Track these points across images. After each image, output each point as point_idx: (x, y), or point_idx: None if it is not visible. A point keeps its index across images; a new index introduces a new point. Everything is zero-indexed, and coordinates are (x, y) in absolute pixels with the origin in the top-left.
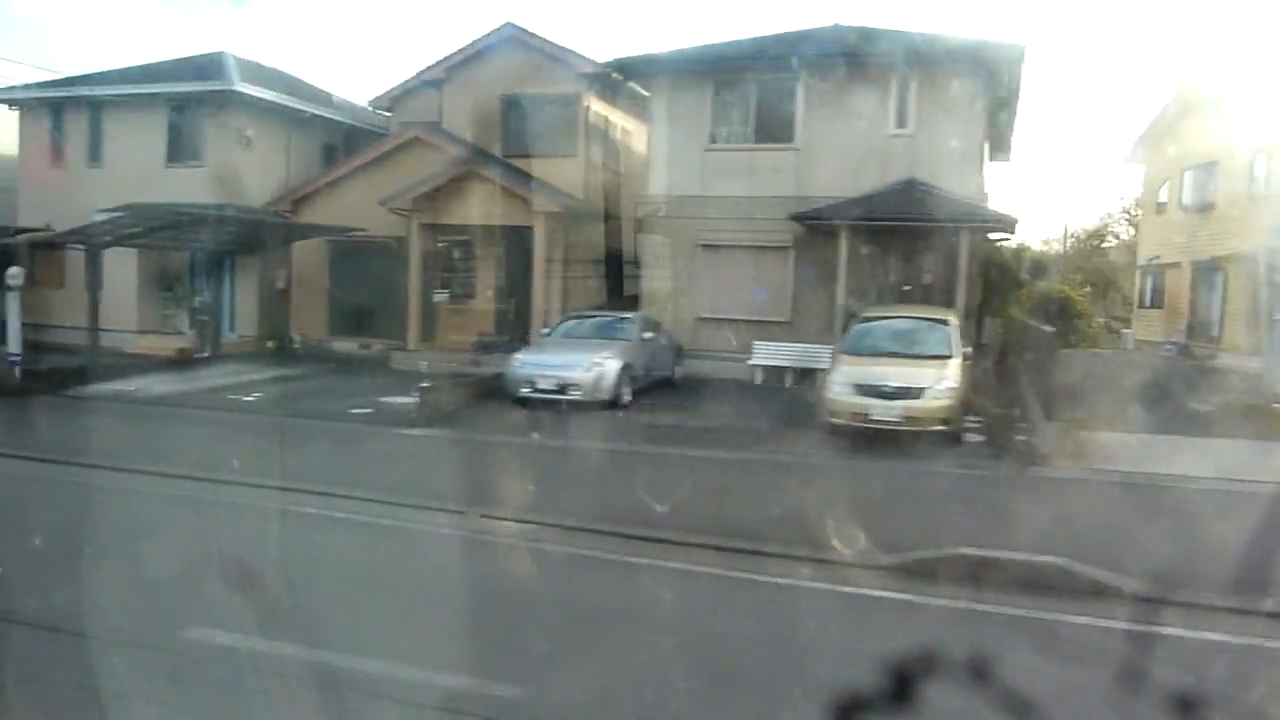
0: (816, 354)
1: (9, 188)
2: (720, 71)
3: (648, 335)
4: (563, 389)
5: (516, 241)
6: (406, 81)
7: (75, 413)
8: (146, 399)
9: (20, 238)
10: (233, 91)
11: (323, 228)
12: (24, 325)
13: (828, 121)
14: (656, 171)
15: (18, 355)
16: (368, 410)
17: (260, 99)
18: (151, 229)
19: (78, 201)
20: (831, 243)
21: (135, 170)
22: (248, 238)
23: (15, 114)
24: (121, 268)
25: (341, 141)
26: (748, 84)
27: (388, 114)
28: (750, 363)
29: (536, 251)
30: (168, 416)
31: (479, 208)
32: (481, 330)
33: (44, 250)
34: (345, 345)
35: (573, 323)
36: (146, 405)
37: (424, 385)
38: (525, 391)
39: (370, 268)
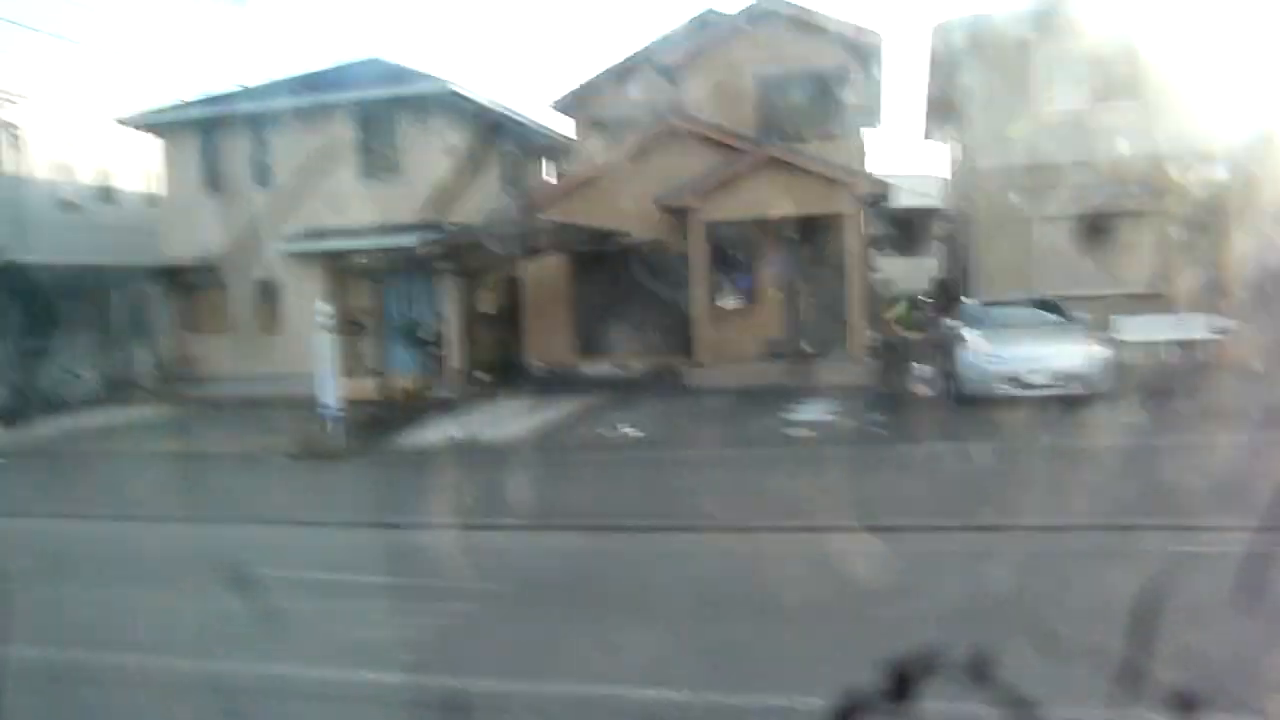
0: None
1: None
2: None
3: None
4: (1055, 383)
5: (811, 234)
6: (594, 80)
7: (456, 468)
8: (502, 446)
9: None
10: (447, 95)
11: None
12: (188, 379)
13: None
14: (977, 144)
15: (335, 408)
16: (804, 431)
17: (472, 103)
18: (455, 250)
19: (238, 231)
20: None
21: (317, 190)
22: (478, 256)
23: (156, 139)
24: (304, 304)
25: (536, 149)
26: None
27: (567, 116)
28: (1120, 337)
29: (850, 242)
30: (581, 463)
31: (776, 198)
32: (768, 337)
33: (201, 291)
34: (596, 367)
35: (987, 310)
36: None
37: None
38: (1004, 389)
39: (621, 277)
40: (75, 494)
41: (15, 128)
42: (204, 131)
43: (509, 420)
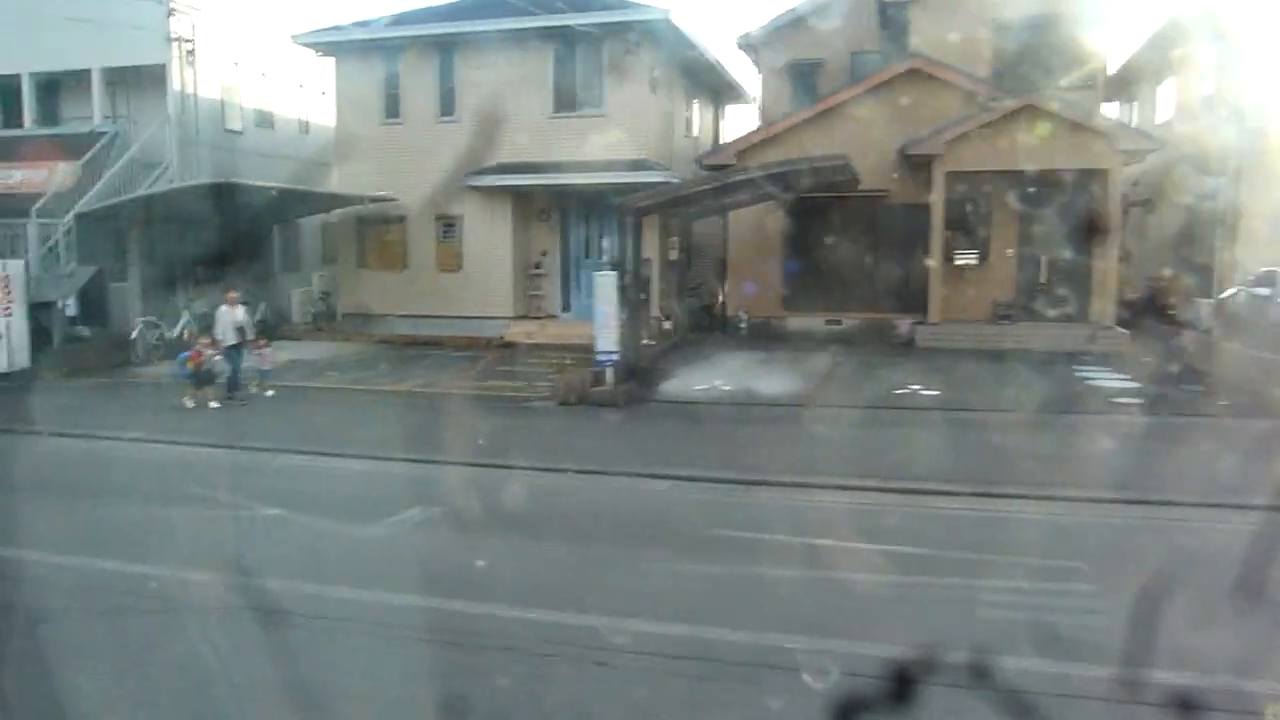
0: None
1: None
2: None
3: None
4: None
5: (1058, 189)
6: (784, 15)
7: (753, 423)
8: (785, 400)
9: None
10: (663, 25)
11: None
12: (357, 316)
13: None
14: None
15: (612, 355)
16: (1126, 398)
17: (684, 38)
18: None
19: (421, 164)
20: None
21: (502, 122)
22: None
23: (329, 59)
24: (487, 242)
25: (727, 91)
26: None
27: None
28: None
29: (1108, 200)
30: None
31: (1031, 149)
32: (996, 297)
33: (374, 225)
34: (805, 321)
35: None
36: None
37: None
38: None
39: (836, 230)
40: (382, 434)
41: (190, 41)
42: (386, 55)
43: (761, 372)
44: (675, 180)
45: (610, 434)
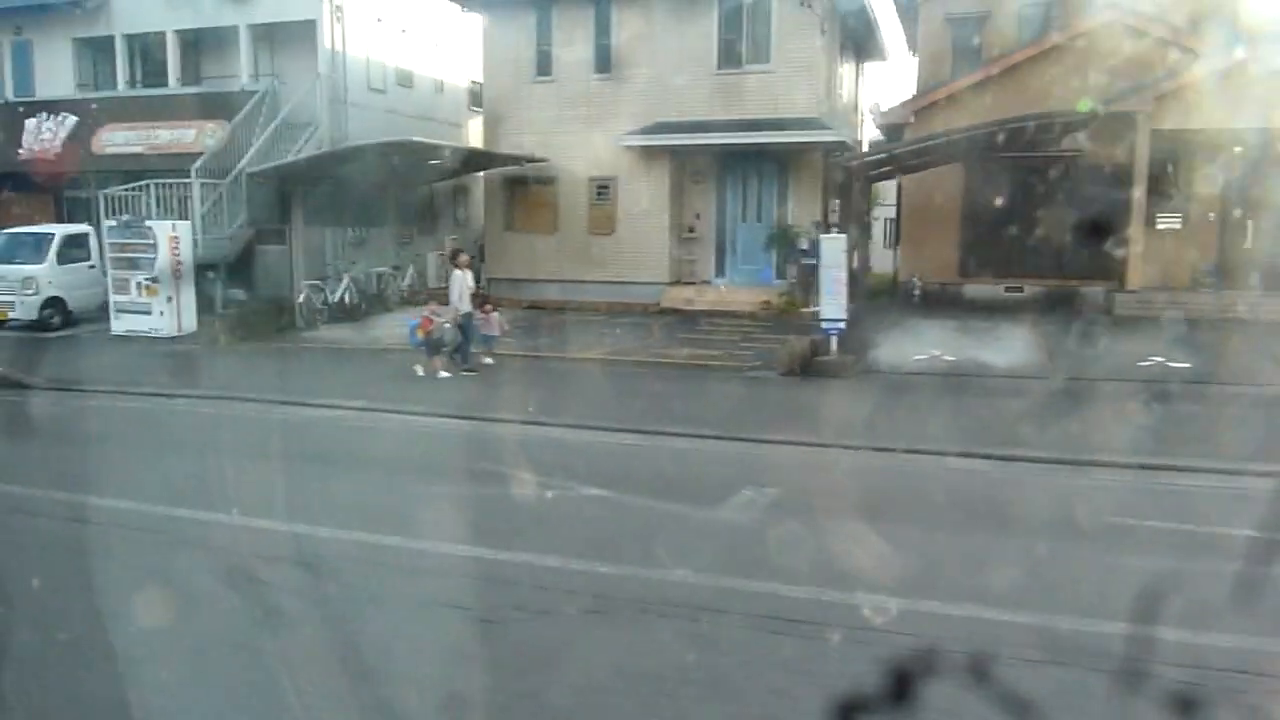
0: None
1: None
2: None
3: None
4: None
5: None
6: None
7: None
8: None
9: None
10: None
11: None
12: (504, 280)
13: None
14: None
15: (839, 323)
16: None
17: None
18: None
19: (574, 123)
20: None
21: (661, 79)
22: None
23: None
24: (642, 204)
25: (866, 45)
26: None
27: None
28: None
29: None
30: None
31: (1244, 106)
32: (1197, 263)
33: (524, 187)
34: (982, 288)
35: None
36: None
37: None
38: None
39: (1016, 192)
40: (635, 406)
41: None
42: (538, 9)
43: (971, 341)
44: (843, 139)
45: (874, 407)
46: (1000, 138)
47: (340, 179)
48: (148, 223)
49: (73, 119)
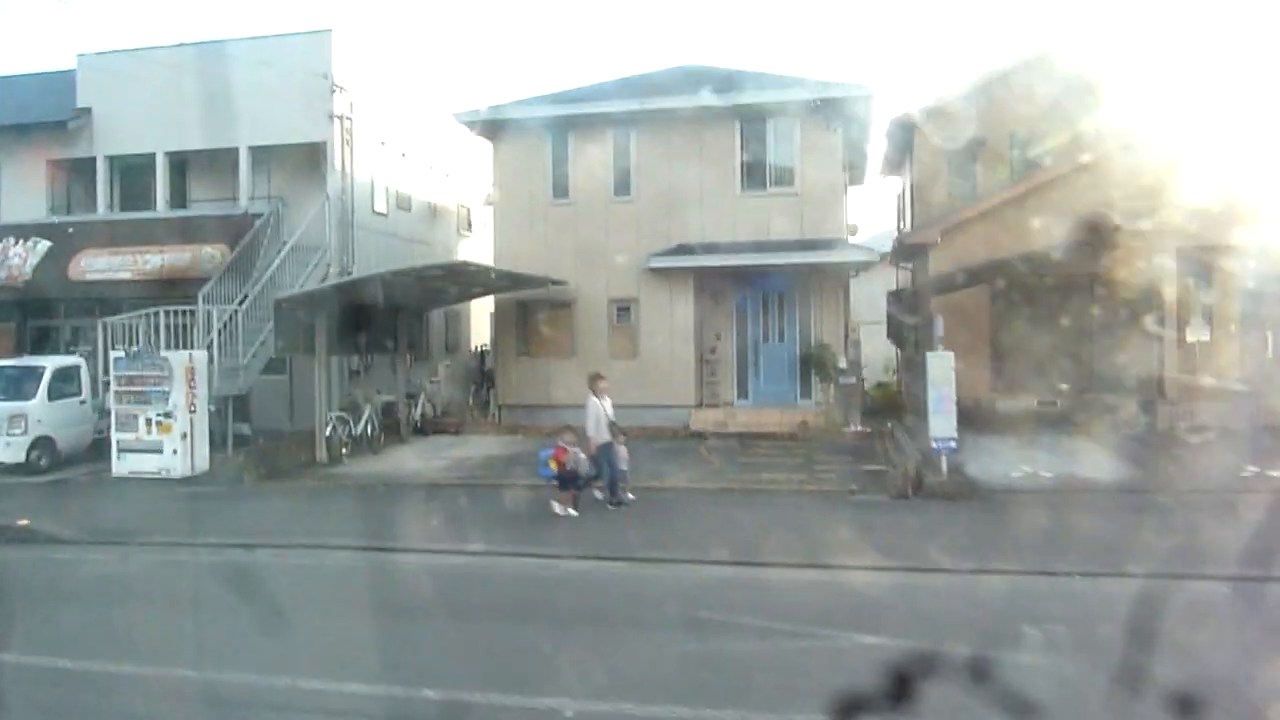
0: None
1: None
2: None
3: None
4: None
5: None
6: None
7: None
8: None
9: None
10: (861, 100)
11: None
12: (519, 407)
13: None
14: None
15: (950, 440)
16: None
17: (868, 110)
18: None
19: (592, 245)
20: None
21: (682, 201)
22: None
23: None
24: (665, 326)
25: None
26: None
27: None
28: None
29: None
30: None
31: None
32: (1221, 372)
33: (539, 310)
34: (1015, 403)
35: None
36: None
37: None
38: None
39: (1044, 308)
40: (797, 539)
41: (349, 120)
42: (554, 133)
43: (1049, 456)
44: (873, 258)
45: (1032, 529)
46: (1060, 255)
47: (359, 304)
48: (163, 353)
49: (45, 244)
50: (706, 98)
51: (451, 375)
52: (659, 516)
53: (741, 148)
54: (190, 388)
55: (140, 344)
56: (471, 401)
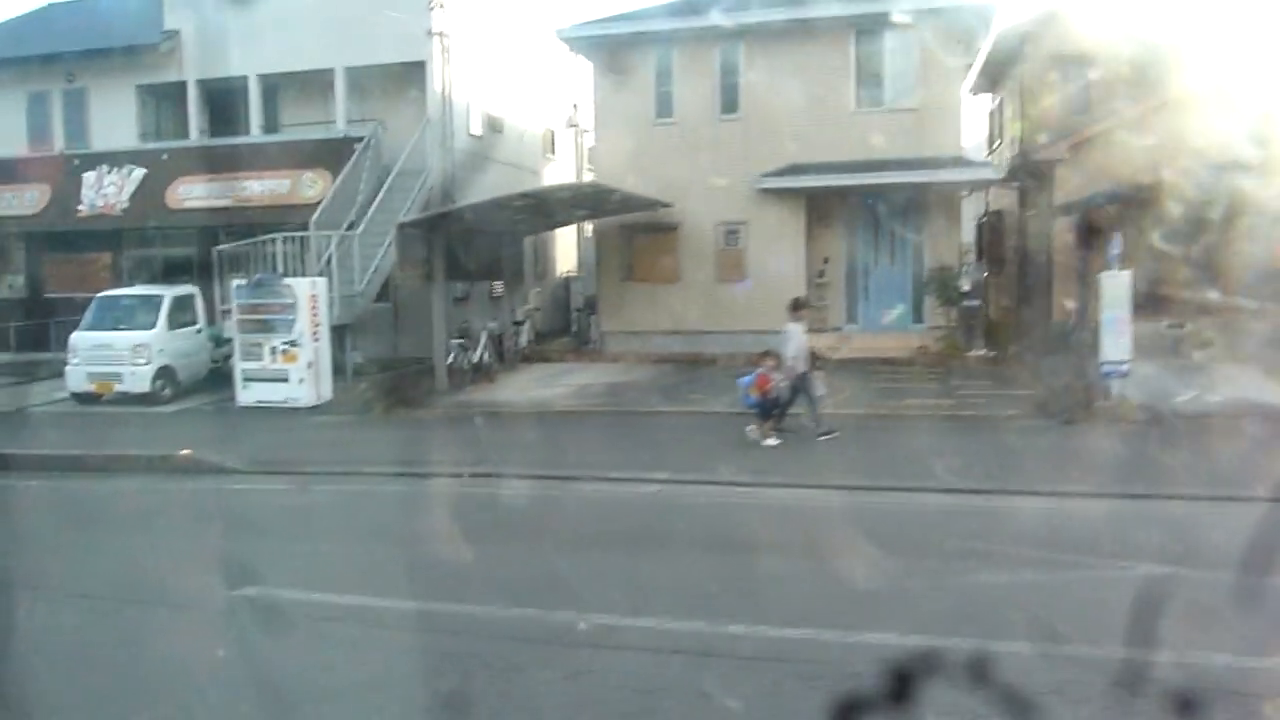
0: None
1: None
2: None
3: None
4: None
5: None
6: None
7: None
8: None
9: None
10: (988, 8)
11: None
12: (621, 334)
13: None
14: None
15: (1122, 364)
16: None
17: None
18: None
19: (698, 166)
20: None
21: (793, 119)
22: None
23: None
24: (775, 249)
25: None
26: None
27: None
28: None
29: None
30: None
31: None
32: None
33: (643, 234)
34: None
35: None
36: None
37: None
38: None
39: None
40: (994, 465)
41: (445, 36)
42: (658, 49)
43: (1202, 379)
44: (997, 176)
45: (1237, 456)
46: None
47: (467, 230)
48: (286, 280)
49: (140, 171)
50: (821, 7)
51: (541, 302)
52: (845, 445)
53: (856, 61)
54: (314, 316)
55: (262, 271)
56: (574, 328)
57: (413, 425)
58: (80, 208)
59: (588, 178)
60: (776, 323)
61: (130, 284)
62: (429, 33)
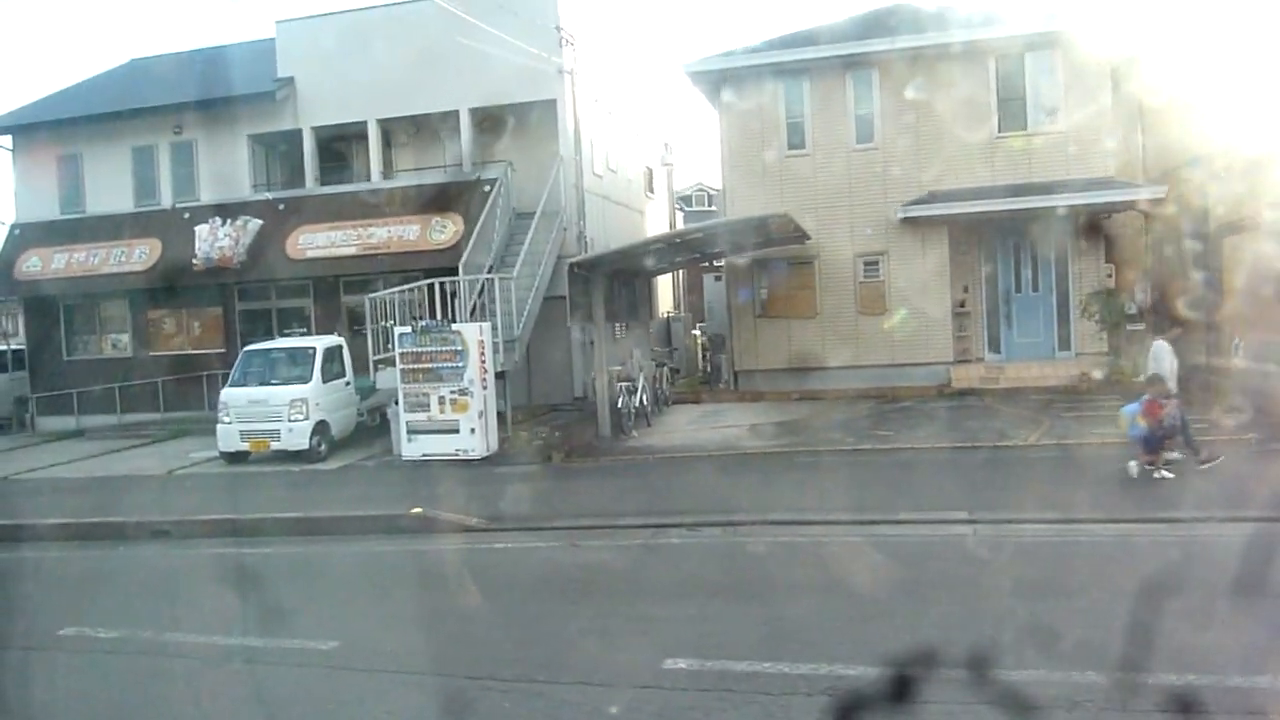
0: None
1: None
2: None
3: None
4: None
5: None
6: None
7: None
8: None
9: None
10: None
11: None
12: (756, 372)
13: None
14: None
15: None
16: None
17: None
18: None
19: (833, 197)
20: None
21: (932, 146)
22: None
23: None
24: (917, 279)
25: None
26: None
27: None
28: None
29: None
30: None
31: None
32: None
33: (777, 269)
34: None
35: None
36: None
37: None
38: None
39: None
40: None
41: (573, 75)
42: (784, 80)
43: None
44: (1158, 194)
45: None
46: None
47: (619, 271)
48: (454, 326)
49: (256, 222)
50: (959, 32)
51: (651, 343)
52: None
53: (997, 84)
54: (482, 362)
55: (432, 318)
56: (707, 369)
57: (609, 474)
58: (195, 261)
59: (678, 217)
60: (921, 355)
61: (248, 339)
62: (560, 71)
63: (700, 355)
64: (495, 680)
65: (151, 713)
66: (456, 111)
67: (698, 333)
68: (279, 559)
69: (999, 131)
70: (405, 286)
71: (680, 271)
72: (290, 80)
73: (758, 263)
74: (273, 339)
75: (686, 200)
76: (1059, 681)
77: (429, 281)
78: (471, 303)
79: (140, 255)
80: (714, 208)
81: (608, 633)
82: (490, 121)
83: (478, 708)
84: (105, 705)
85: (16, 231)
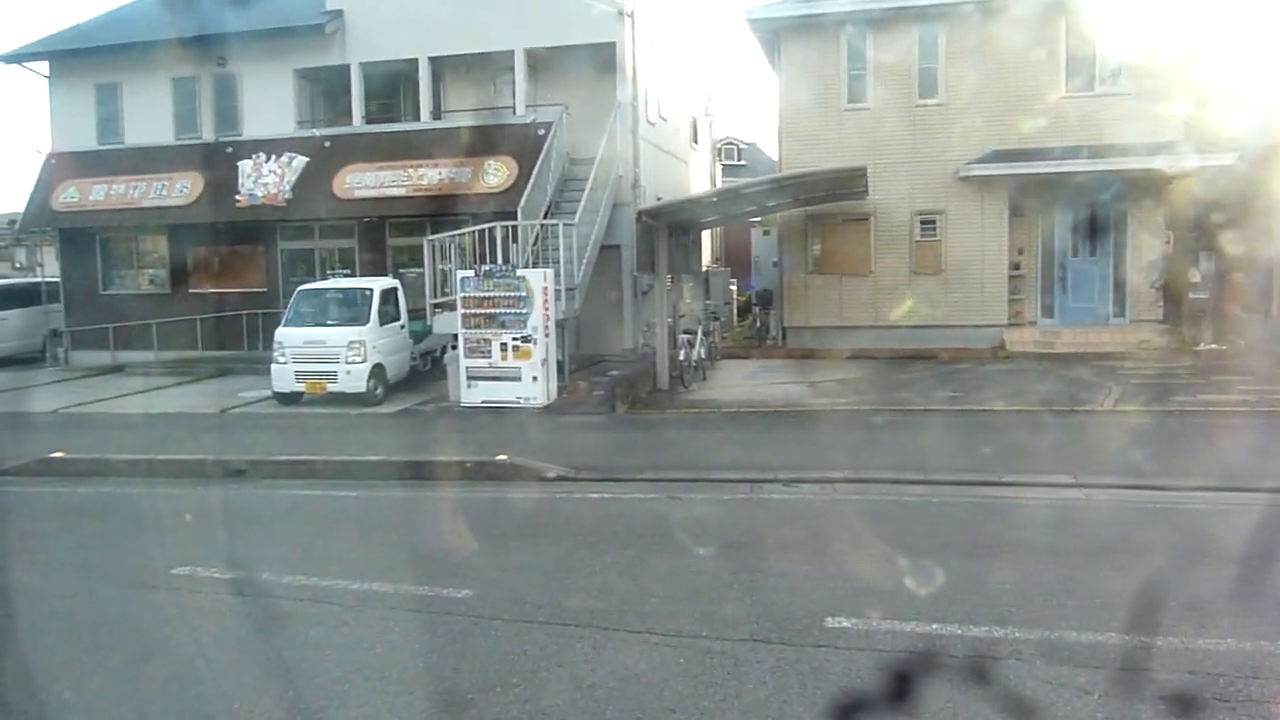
0: None
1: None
2: None
3: None
4: None
5: None
6: None
7: None
8: None
9: None
10: None
11: None
12: (806, 329)
13: None
14: None
15: None
16: None
17: None
18: None
19: (893, 153)
20: None
21: (996, 104)
22: None
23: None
24: (975, 240)
25: None
26: None
27: None
28: None
29: None
30: None
31: None
32: None
33: (831, 225)
34: None
35: None
36: None
37: None
38: None
39: None
40: None
41: (633, 17)
42: (846, 31)
43: None
44: (1227, 160)
45: None
46: None
47: (679, 223)
48: (520, 272)
49: (301, 159)
50: None
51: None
52: None
53: (1067, 42)
54: (545, 310)
55: (491, 262)
56: (755, 324)
57: (680, 426)
58: (238, 197)
59: (718, 169)
60: (975, 316)
61: (290, 279)
62: (621, 13)
63: (735, 313)
64: (657, 635)
65: (328, 662)
66: (511, 51)
67: (734, 287)
68: (373, 502)
69: (1065, 91)
70: (468, 229)
71: (722, 227)
72: (339, 13)
73: (811, 218)
74: (315, 280)
75: (718, 154)
76: None
77: (490, 224)
78: (531, 248)
79: (181, 189)
80: (744, 162)
81: (754, 588)
82: (544, 63)
83: (670, 668)
84: (265, 651)
85: (53, 161)
